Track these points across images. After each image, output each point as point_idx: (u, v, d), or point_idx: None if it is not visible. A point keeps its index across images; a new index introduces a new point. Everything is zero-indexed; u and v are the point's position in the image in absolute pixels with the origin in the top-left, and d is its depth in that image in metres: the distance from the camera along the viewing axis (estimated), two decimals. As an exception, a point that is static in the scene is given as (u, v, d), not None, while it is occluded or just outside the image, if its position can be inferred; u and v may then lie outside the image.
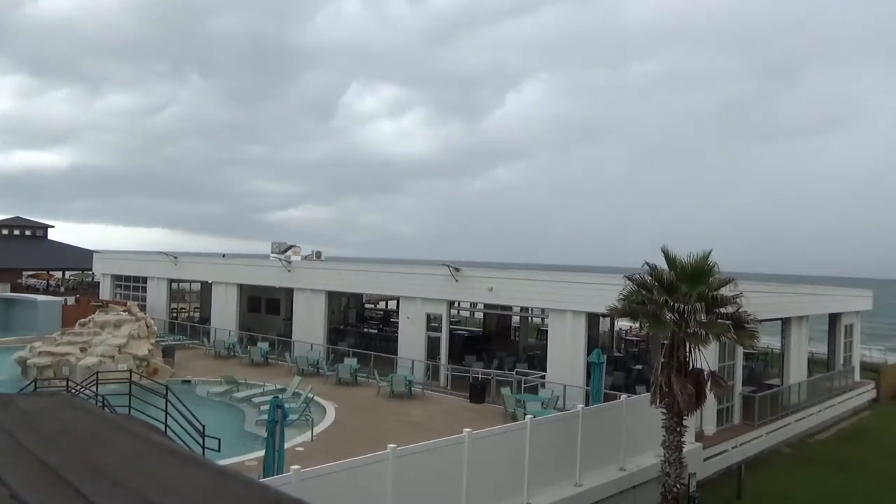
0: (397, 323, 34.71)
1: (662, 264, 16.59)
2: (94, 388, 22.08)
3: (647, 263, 16.60)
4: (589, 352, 24.50)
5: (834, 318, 35.07)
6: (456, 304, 35.50)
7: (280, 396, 16.62)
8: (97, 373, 24.13)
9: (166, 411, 18.53)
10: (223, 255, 47.25)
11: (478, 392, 26.02)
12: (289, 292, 37.90)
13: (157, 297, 44.22)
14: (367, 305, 51.05)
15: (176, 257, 43.27)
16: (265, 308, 43.96)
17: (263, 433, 16.54)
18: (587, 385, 24.16)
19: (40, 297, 44.95)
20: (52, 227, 71.84)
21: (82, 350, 28.58)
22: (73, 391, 20.83)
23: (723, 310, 16.26)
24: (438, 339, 30.22)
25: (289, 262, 36.61)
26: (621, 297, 16.84)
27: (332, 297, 36.91)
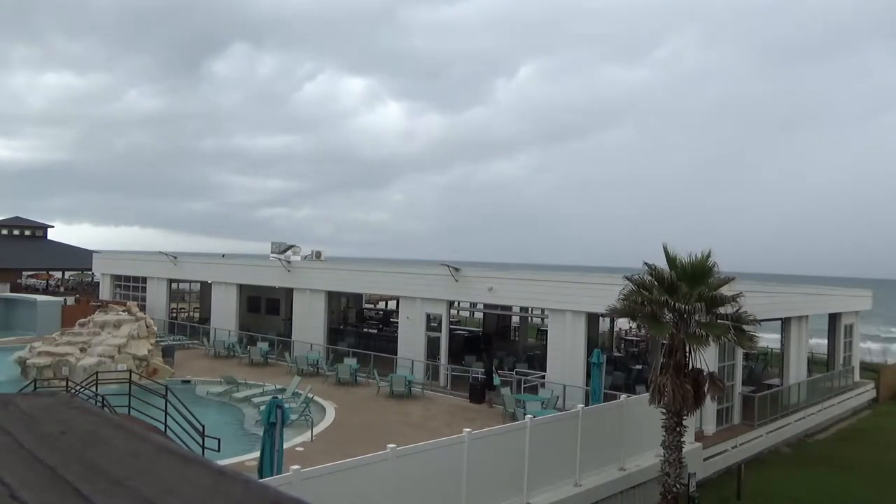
0: (397, 323, 34.72)
1: (662, 265, 16.59)
2: (93, 388, 22.08)
3: (647, 263, 16.60)
4: (589, 352, 24.51)
5: (834, 318, 35.09)
6: (456, 304, 35.52)
7: (279, 396, 16.62)
8: (97, 373, 24.13)
9: (166, 411, 18.52)
10: (223, 255, 47.29)
11: (478, 392, 26.02)
12: (288, 292, 37.90)
13: (156, 297, 44.23)
14: (366, 305, 51.08)
15: (175, 257, 43.29)
16: (265, 308, 43.96)
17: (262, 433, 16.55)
18: (587, 385, 24.17)
19: (40, 298, 44.96)
20: (52, 227, 71.95)
21: (82, 350, 28.59)
22: (73, 391, 20.82)
23: (722, 310, 16.26)
24: (438, 339, 30.23)
25: (288, 263, 36.62)
26: (621, 297, 16.84)
27: (332, 297, 36.92)
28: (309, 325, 34.86)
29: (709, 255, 16.36)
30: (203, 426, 17.27)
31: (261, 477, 12.86)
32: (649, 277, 16.49)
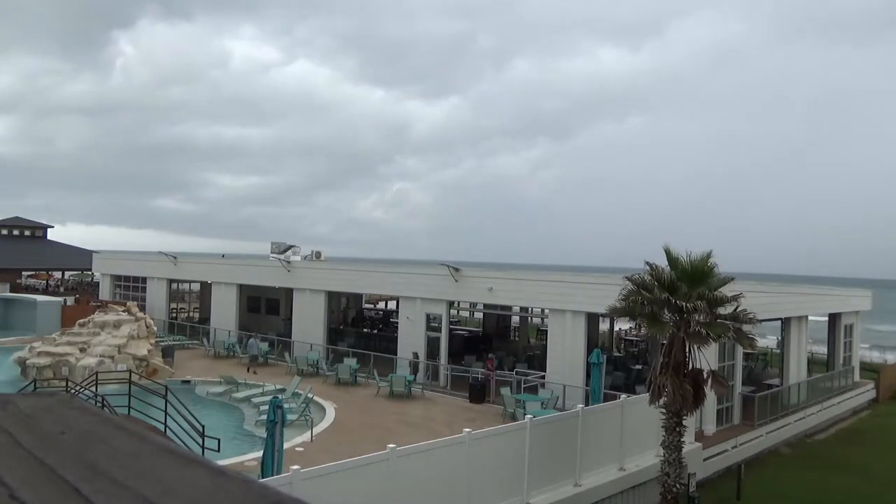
0: (397, 323, 34.72)
1: (663, 264, 16.58)
2: (93, 389, 22.07)
3: (648, 263, 16.60)
4: (589, 352, 24.50)
5: (834, 318, 35.09)
6: (456, 304, 35.51)
7: (279, 396, 16.62)
8: (97, 373, 24.13)
9: (166, 411, 18.52)
10: (223, 256, 47.31)
11: (478, 392, 26.02)
12: (288, 292, 37.90)
13: (156, 297, 44.23)
14: (366, 305, 51.07)
15: (175, 257, 43.29)
16: (265, 308, 43.97)
17: (263, 433, 16.55)
18: (587, 385, 24.16)
19: (40, 298, 44.94)
20: (52, 227, 71.96)
21: (82, 350, 28.58)
22: (73, 391, 20.80)
23: (722, 310, 16.26)
24: (438, 339, 30.22)
25: (288, 263, 36.63)
26: (621, 297, 16.83)
27: (332, 297, 36.92)
28: (309, 326, 34.85)
29: (709, 256, 16.36)
30: (203, 426, 17.26)
31: (261, 477, 12.86)
32: (649, 277, 16.49)
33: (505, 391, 24.20)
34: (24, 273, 63.34)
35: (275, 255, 38.11)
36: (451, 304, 31.70)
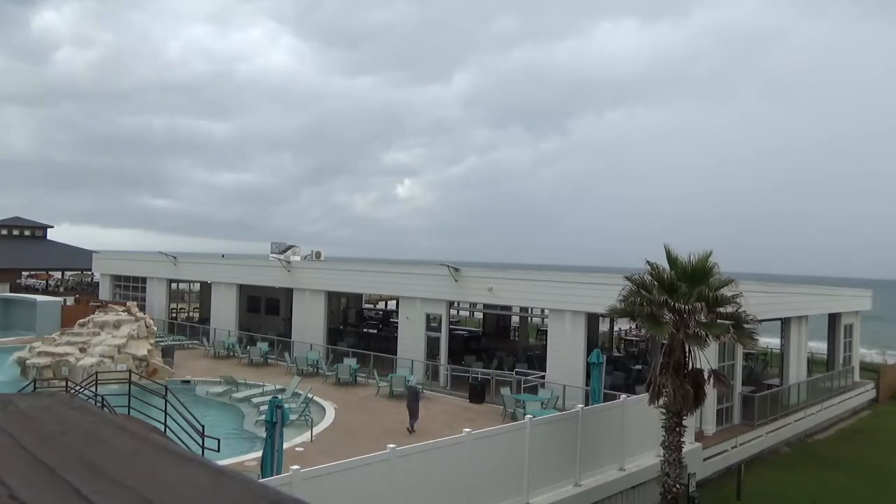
0: (397, 323, 34.71)
1: (664, 264, 16.58)
2: (93, 388, 22.06)
3: (648, 262, 16.60)
4: (589, 352, 24.50)
5: (834, 318, 35.09)
6: (456, 304, 35.49)
7: (279, 397, 16.62)
8: (96, 373, 24.12)
9: (165, 411, 18.50)
10: (223, 256, 47.33)
11: (477, 392, 26.02)
12: (288, 292, 37.89)
13: (156, 297, 44.23)
14: (366, 305, 51.07)
15: (175, 258, 43.29)
16: (265, 308, 43.95)
17: (262, 433, 16.55)
18: (587, 385, 24.16)
19: (39, 298, 44.91)
20: (52, 227, 71.95)
21: (81, 350, 28.58)
22: (73, 391, 20.79)
23: (722, 310, 16.26)
24: (438, 339, 30.21)
25: (288, 263, 36.62)
26: (620, 297, 16.83)
27: (332, 297, 36.91)
28: (309, 325, 34.84)
29: (709, 256, 16.35)
30: (203, 426, 17.26)
31: (261, 477, 12.86)
32: (649, 278, 16.49)
33: (505, 391, 24.20)
34: (24, 273, 63.34)
35: (275, 256, 38.12)
36: (450, 304, 31.69)
